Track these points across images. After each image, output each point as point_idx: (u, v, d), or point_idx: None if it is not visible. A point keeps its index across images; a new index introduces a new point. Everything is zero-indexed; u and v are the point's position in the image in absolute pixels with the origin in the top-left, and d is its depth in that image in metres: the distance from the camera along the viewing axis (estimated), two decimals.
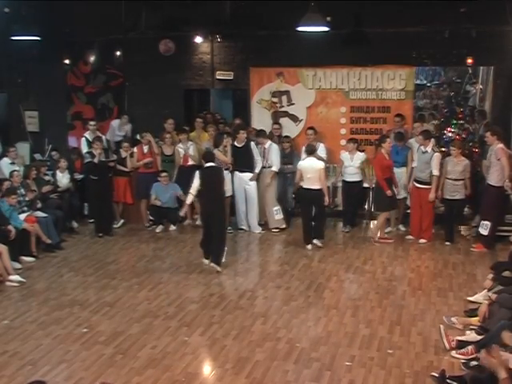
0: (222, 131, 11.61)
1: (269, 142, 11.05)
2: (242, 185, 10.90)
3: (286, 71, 11.88)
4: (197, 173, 9.07)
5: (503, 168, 9.44)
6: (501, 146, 9.55)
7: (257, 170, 10.89)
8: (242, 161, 10.80)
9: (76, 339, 6.70)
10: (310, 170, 9.80)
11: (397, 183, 10.35)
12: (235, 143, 10.87)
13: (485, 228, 9.64)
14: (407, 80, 11.41)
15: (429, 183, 10.06)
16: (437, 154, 10.09)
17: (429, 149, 10.07)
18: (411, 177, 10.40)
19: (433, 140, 10.38)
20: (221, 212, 9.16)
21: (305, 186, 9.88)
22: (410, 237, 10.40)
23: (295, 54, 11.61)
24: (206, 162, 9.15)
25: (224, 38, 12.37)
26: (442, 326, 6.65)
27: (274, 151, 10.98)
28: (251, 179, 10.88)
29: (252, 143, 10.94)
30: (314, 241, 10.03)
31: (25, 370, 6.03)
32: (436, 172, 9.97)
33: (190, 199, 9.22)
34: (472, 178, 10.12)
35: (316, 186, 9.77)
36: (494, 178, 9.60)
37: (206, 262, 9.01)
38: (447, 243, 10.09)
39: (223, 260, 9.01)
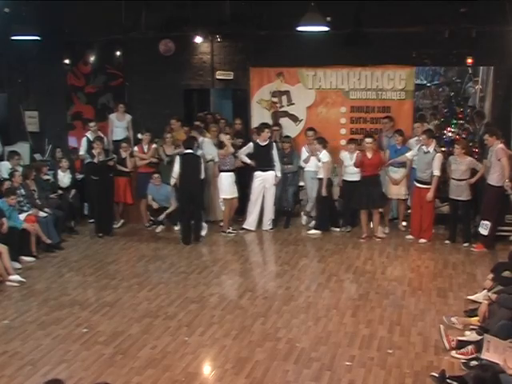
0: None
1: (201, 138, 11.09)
2: (262, 184, 10.84)
3: (286, 71, 11.88)
4: (177, 158, 10.23)
5: (503, 168, 9.44)
6: (501, 146, 9.55)
7: (278, 174, 10.85)
8: (265, 160, 10.76)
9: (76, 339, 6.70)
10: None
11: (380, 182, 10.39)
12: (258, 141, 10.85)
13: (485, 228, 9.63)
14: (407, 80, 11.42)
15: (430, 183, 10.04)
16: (438, 154, 10.08)
17: (431, 149, 10.06)
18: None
19: (434, 140, 10.38)
20: (200, 192, 10.36)
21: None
22: (410, 237, 10.40)
23: (295, 54, 11.61)
24: (186, 149, 10.27)
25: (224, 37, 12.36)
26: (442, 326, 6.64)
27: (206, 145, 11.01)
28: (275, 184, 10.86)
29: (274, 143, 10.93)
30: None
31: (25, 369, 6.03)
32: (437, 172, 9.96)
33: (172, 181, 10.31)
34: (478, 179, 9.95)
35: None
36: (494, 178, 9.59)
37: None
38: (447, 242, 10.11)
39: (203, 234, 10.44)
